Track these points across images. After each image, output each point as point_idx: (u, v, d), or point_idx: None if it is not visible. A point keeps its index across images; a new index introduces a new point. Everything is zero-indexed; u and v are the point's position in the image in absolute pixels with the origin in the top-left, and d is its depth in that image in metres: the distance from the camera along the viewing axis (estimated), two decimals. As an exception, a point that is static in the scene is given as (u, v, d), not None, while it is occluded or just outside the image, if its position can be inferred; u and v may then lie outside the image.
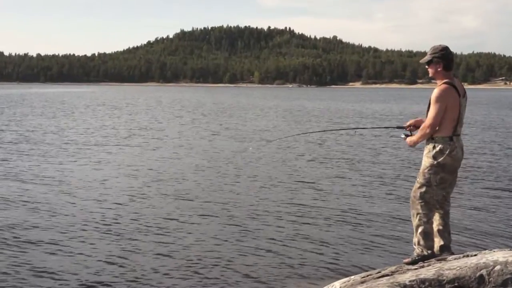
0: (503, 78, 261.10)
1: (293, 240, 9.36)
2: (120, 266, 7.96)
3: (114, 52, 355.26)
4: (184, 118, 39.83)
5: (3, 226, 9.86)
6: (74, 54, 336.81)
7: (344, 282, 5.58)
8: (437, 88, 5.86)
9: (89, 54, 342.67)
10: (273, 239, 9.37)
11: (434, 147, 5.88)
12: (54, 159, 18.17)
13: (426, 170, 5.93)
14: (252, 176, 15.40)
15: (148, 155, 19.45)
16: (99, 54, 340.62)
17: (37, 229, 9.75)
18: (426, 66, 6.11)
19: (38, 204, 11.61)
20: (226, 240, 9.29)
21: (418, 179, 6.02)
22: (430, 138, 5.91)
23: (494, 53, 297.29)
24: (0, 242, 8.97)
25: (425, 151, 5.99)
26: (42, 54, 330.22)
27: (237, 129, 30.75)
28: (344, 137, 25.59)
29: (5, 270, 7.73)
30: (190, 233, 9.69)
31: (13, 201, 11.90)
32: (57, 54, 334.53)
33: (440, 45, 6.04)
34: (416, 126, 6.32)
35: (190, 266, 8.00)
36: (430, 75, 6.10)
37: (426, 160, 5.94)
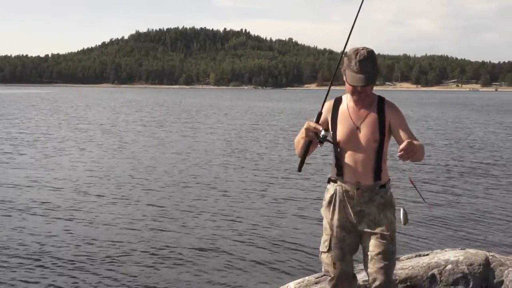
0: (455, 80, 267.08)
1: (247, 240, 9.33)
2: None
3: (68, 53, 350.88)
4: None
5: None
6: (27, 55, 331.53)
7: (299, 283, 5.56)
8: (393, 105, 4.12)
9: (42, 55, 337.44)
10: (227, 240, 9.32)
11: (389, 193, 4.05)
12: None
13: (392, 226, 3.98)
14: (205, 176, 15.38)
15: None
16: (53, 55, 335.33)
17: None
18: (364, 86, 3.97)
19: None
20: (176, 242, 9.22)
21: (388, 239, 3.92)
22: (377, 182, 3.96)
23: (447, 56, 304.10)
24: None
25: (380, 200, 3.97)
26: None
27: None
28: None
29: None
30: (146, 240, 9.61)
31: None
32: (9, 55, 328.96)
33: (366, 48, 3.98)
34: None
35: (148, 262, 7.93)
36: (368, 93, 4.08)
37: (389, 214, 4.03)
